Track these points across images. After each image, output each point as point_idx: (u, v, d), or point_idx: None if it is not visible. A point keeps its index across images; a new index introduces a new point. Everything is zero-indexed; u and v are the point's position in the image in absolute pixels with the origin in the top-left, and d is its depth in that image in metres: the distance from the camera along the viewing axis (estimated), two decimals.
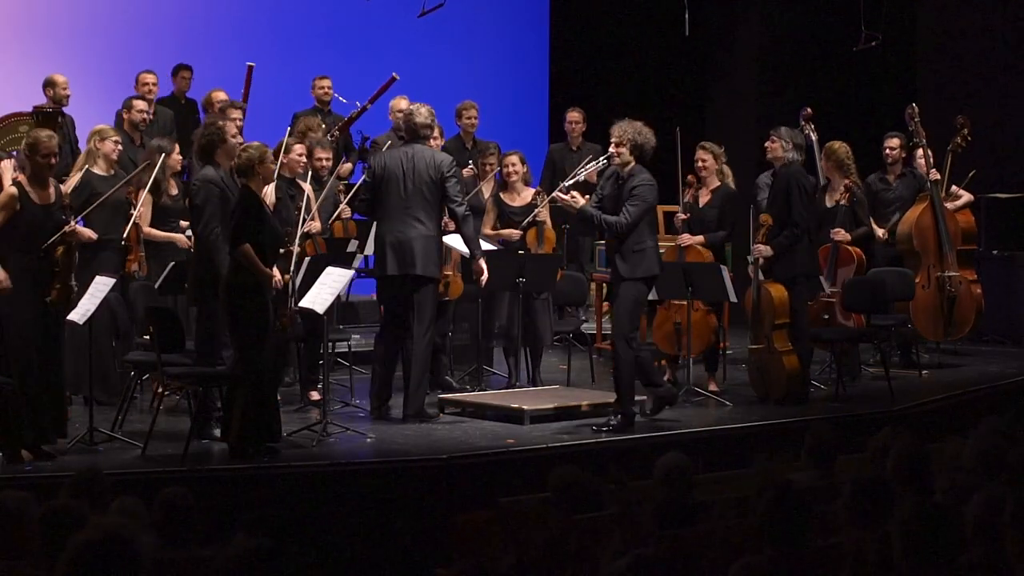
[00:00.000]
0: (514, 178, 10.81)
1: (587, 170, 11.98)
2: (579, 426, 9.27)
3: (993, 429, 6.16)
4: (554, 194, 9.84)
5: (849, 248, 10.96)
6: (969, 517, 4.64)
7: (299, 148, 10.16)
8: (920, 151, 11.65)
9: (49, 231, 8.09)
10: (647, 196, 9.14)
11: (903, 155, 11.74)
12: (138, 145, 11.03)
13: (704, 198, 10.55)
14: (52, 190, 8.19)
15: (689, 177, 10.57)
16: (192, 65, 12.84)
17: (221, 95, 11.45)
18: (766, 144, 10.19)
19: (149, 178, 9.72)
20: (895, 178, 11.74)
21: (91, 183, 9.45)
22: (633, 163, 9.17)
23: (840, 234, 10.90)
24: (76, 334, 8.75)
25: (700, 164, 10.56)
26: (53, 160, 8.23)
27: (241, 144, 9.00)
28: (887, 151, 11.71)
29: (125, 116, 11.25)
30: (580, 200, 9.32)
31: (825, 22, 14.58)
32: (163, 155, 9.78)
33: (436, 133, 10.40)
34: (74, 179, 9.54)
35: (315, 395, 9.81)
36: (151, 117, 11.67)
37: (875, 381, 10.80)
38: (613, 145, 9.23)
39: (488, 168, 11.07)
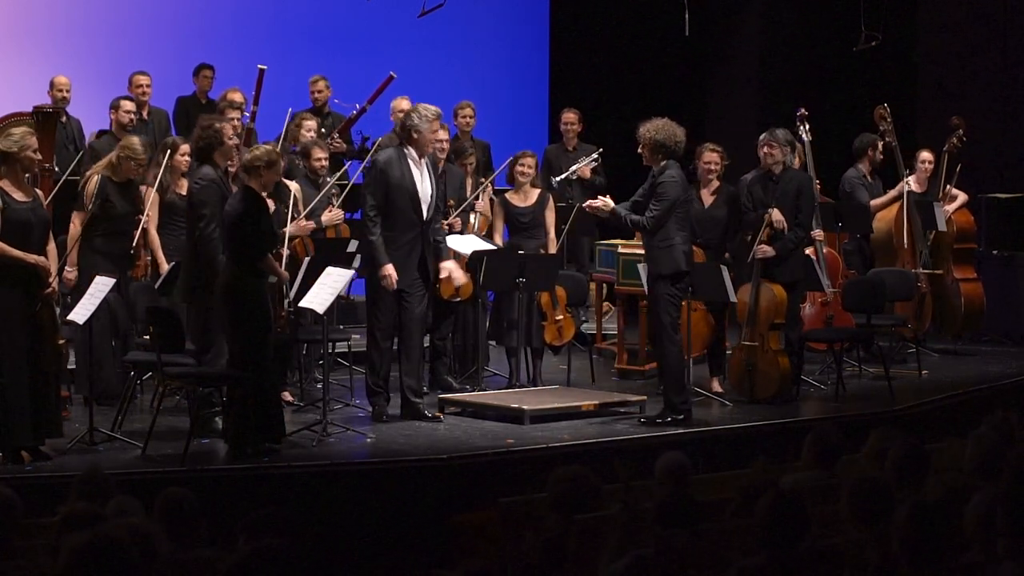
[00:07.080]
0: (525, 179, 10.74)
1: (579, 167, 11.98)
2: (580, 426, 9.28)
3: (992, 429, 6.16)
4: (587, 203, 9.82)
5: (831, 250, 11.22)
6: (969, 517, 4.65)
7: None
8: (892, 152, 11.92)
9: (39, 228, 8.09)
10: (669, 193, 9.20)
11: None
12: None
13: (708, 199, 10.36)
14: (29, 188, 8.18)
15: None
16: (214, 64, 12.76)
17: (236, 95, 11.39)
18: (765, 151, 10.12)
19: (156, 176, 9.75)
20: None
21: (105, 188, 9.40)
22: (662, 161, 9.22)
23: (820, 234, 10.96)
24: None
25: (713, 167, 10.35)
26: (38, 156, 8.22)
27: (234, 144, 9.13)
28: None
29: (112, 117, 11.25)
30: (610, 203, 9.40)
31: (824, 22, 14.57)
32: (169, 152, 9.79)
33: (443, 135, 10.43)
34: (92, 185, 9.42)
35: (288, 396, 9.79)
36: (145, 118, 11.66)
37: (875, 381, 10.80)
38: (639, 149, 9.32)
39: (468, 168, 10.97)
